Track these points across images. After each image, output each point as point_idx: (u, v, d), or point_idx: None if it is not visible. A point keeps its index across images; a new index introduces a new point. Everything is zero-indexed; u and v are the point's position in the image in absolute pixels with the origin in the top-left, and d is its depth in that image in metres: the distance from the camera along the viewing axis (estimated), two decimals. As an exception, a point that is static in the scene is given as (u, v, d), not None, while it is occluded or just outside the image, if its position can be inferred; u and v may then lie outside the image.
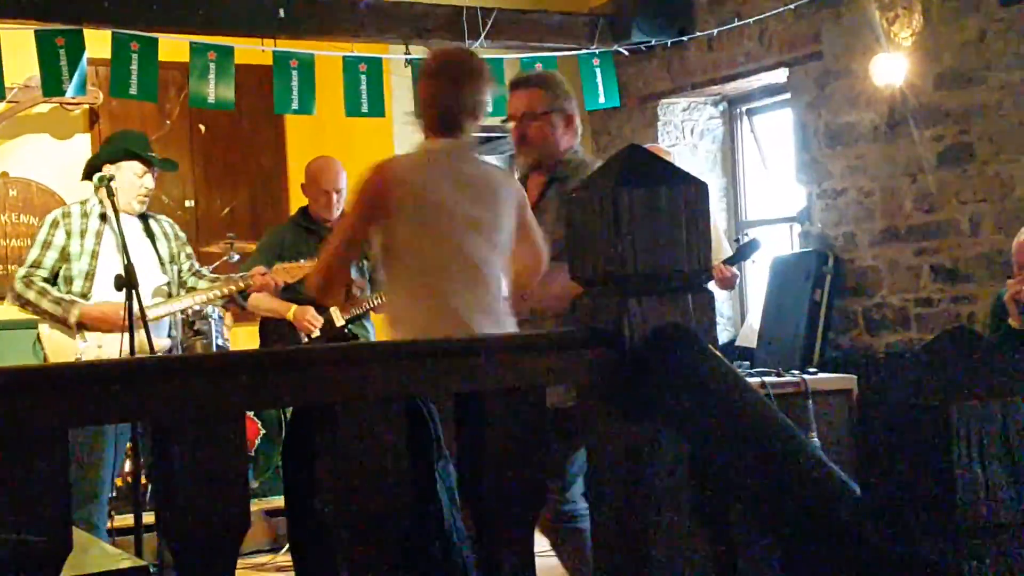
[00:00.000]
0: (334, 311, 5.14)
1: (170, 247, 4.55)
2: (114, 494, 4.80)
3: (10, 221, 6.71)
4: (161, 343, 4.34)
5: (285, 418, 5.66)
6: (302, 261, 4.79)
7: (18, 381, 1.38)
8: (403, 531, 1.56)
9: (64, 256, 4.37)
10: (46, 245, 4.39)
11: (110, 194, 4.24)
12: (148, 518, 4.23)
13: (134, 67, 5.70)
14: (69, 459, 1.39)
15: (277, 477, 5.61)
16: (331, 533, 1.55)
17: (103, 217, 4.41)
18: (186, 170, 7.30)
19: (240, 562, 1.52)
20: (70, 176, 6.78)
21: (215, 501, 1.44)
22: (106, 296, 4.32)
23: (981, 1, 5.47)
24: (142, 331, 4.12)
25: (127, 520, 4.61)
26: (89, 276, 4.36)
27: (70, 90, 5.65)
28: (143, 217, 4.50)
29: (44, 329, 4.45)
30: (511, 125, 3.58)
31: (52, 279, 4.38)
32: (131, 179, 4.41)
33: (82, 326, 4.35)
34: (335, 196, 5.17)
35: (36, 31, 5.55)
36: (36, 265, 4.38)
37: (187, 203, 7.30)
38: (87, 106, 6.79)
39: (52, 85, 5.63)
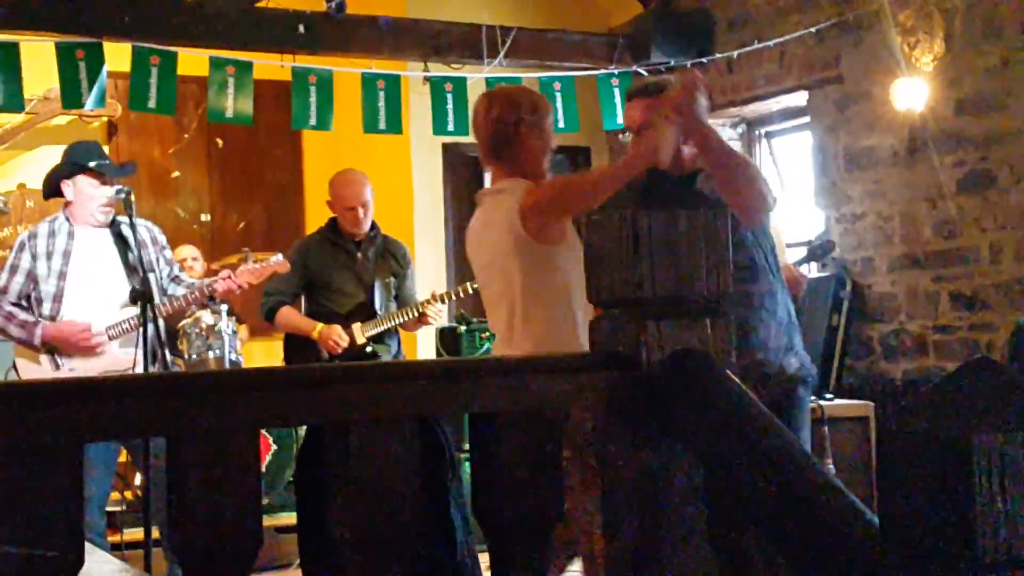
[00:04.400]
0: (356, 328, 5.11)
1: (147, 255, 4.46)
2: (122, 508, 4.78)
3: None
4: (129, 357, 4.25)
5: (297, 434, 5.65)
6: (269, 261, 4.73)
7: (33, 395, 1.38)
8: (415, 551, 1.55)
9: (32, 278, 4.33)
10: (12, 270, 4.36)
11: (127, 208, 4.24)
12: (157, 533, 4.23)
13: (153, 80, 5.72)
14: (83, 472, 1.38)
15: (288, 494, 5.60)
16: (343, 553, 1.54)
17: (71, 235, 4.37)
18: (203, 184, 7.33)
19: (251, 578, 1.51)
20: (88, 188, 6.82)
21: (228, 519, 1.43)
22: (76, 318, 4.29)
23: (1003, 27, 5.46)
24: (115, 347, 4.10)
25: (136, 534, 4.60)
26: (57, 298, 4.32)
27: (89, 103, 5.68)
28: (113, 225, 4.43)
29: (19, 361, 4.41)
30: (629, 138, 3.30)
31: (23, 303, 4.34)
32: (88, 192, 4.36)
33: (49, 348, 4.31)
34: (361, 211, 5.11)
35: (57, 44, 5.58)
36: (3, 291, 4.34)
37: (203, 217, 7.32)
38: (106, 119, 6.83)
39: (72, 97, 5.66)
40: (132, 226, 4.25)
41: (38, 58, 5.72)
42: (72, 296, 4.30)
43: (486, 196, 3.43)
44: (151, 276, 4.41)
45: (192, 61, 5.98)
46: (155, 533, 4.13)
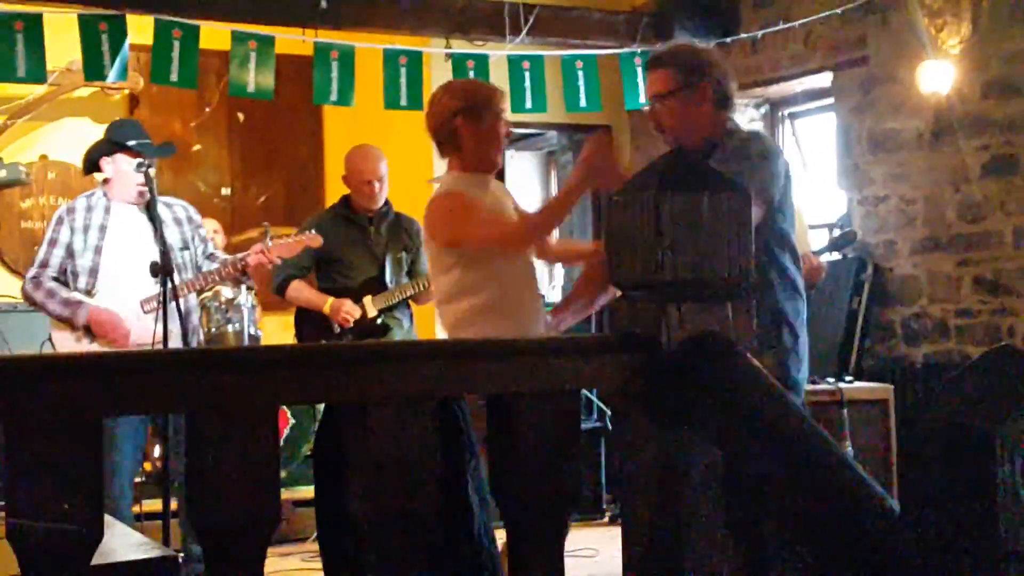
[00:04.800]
0: (367, 302, 5.12)
1: (182, 232, 4.51)
2: (141, 479, 4.81)
3: (48, 203, 6.77)
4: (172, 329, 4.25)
5: (315, 408, 5.67)
6: (299, 235, 4.74)
7: (54, 368, 1.38)
8: (432, 530, 1.55)
9: (70, 252, 4.37)
10: (52, 243, 4.40)
11: (148, 182, 4.25)
12: (176, 504, 4.26)
13: (175, 54, 5.71)
14: (102, 447, 1.38)
15: (306, 467, 5.62)
16: (360, 530, 1.54)
17: (108, 210, 4.41)
18: (223, 158, 7.34)
19: (267, 551, 1.52)
20: (110, 160, 6.84)
21: (247, 494, 1.44)
22: (111, 292, 4.31)
23: (1031, 10, 5.40)
24: (149, 321, 4.15)
25: (155, 505, 4.63)
26: (92, 272, 4.35)
27: (111, 75, 5.68)
28: (150, 205, 4.43)
29: (55, 334, 4.44)
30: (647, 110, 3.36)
31: (61, 277, 4.39)
32: (126, 170, 4.39)
33: (88, 329, 4.34)
34: (377, 185, 5.11)
35: (79, 16, 5.58)
36: (44, 265, 4.39)
37: (224, 191, 7.33)
38: (127, 91, 6.83)
39: (94, 70, 5.66)
40: (152, 199, 4.26)
41: (61, 30, 5.72)
42: (107, 270, 4.34)
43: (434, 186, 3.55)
44: (186, 253, 4.46)
45: (214, 35, 5.97)
46: (173, 504, 4.16)
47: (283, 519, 5.16)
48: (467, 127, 3.23)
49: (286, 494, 5.44)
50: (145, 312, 4.33)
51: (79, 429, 1.35)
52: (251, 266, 4.44)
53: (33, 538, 1.31)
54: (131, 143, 4.39)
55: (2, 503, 1.37)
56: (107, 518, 1.56)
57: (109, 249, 4.36)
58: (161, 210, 4.46)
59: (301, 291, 5.17)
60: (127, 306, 4.33)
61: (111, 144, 4.44)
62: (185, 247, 4.50)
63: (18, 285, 6.56)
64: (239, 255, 4.57)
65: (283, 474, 5.65)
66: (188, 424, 1.50)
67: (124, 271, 4.36)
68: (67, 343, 4.37)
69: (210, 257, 4.58)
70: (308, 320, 5.24)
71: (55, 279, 4.38)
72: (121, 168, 4.40)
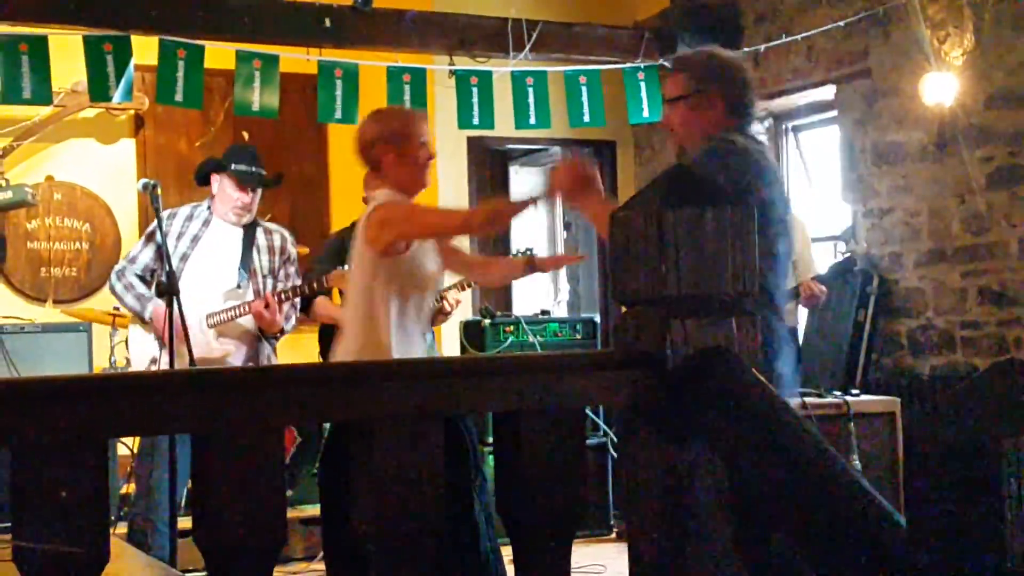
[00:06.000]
0: None
1: (272, 261, 4.61)
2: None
3: (54, 224, 6.78)
4: (224, 347, 4.40)
5: (322, 427, 5.66)
6: (341, 270, 4.78)
7: (58, 391, 1.38)
8: (439, 549, 1.55)
9: (159, 255, 4.47)
10: (146, 241, 4.57)
11: (154, 202, 4.29)
12: (184, 523, 4.25)
13: (180, 74, 5.74)
14: (108, 469, 1.38)
15: (313, 486, 5.62)
16: (366, 549, 1.54)
17: (207, 223, 4.52)
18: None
19: (274, 570, 1.51)
20: (115, 180, 6.86)
21: (252, 514, 1.44)
22: (188, 299, 4.37)
23: (1034, 21, 5.40)
24: (211, 337, 4.21)
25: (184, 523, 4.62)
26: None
27: (116, 96, 5.70)
28: (252, 227, 4.57)
29: (132, 331, 4.60)
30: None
31: (147, 276, 4.52)
32: (228, 192, 4.52)
33: (150, 324, 4.47)
34: None
35: (84, 37, 5.61)
36: (132, 260, 4.56)
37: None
38: (133, 112, 6.85)
39: (99, 90, 5.68)
40: (159, 220, 4.29)
41: (66, 51, 5.75)
42: (187, 279, 4.40)
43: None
44: (269, 281, 4.53)
45: (219, 54, 5.99)
46: (183, 524, 4.15)
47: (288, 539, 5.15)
48: (387, 154, 3.33)
49: (292, 513, 5.43)
50: (208, 326, 4.40)
51: (84, 451, 1.35)
52: (254, 313, 4.49)
53: (39, 560, 1.31)
54: (234, 167, 4.51)
55: (8, 525, 1.37)
56: (115, 540, 1.56)
57: (195, 260, 4.46)
58: (259, 235, 4.59)
59: (326, 307, 5.23)
60: (193, 316, 4.39)
61: (220, 163, 4.57)
62: (271, 276, 4.59)
63: (25, 306, 6.59)
64: (311, 276, 4.67)
65: (289, 493, 5.64)
66: (193, 445, 1.50)
67: (202, 283, 4.46)
68: (140, 341, 4.53)
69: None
70: (332, 336, 5.27)
71: (139, 276, 4.51)
72: (224, 188, 4.53)
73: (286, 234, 4.74)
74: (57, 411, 1.34)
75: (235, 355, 4.46)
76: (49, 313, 6.61)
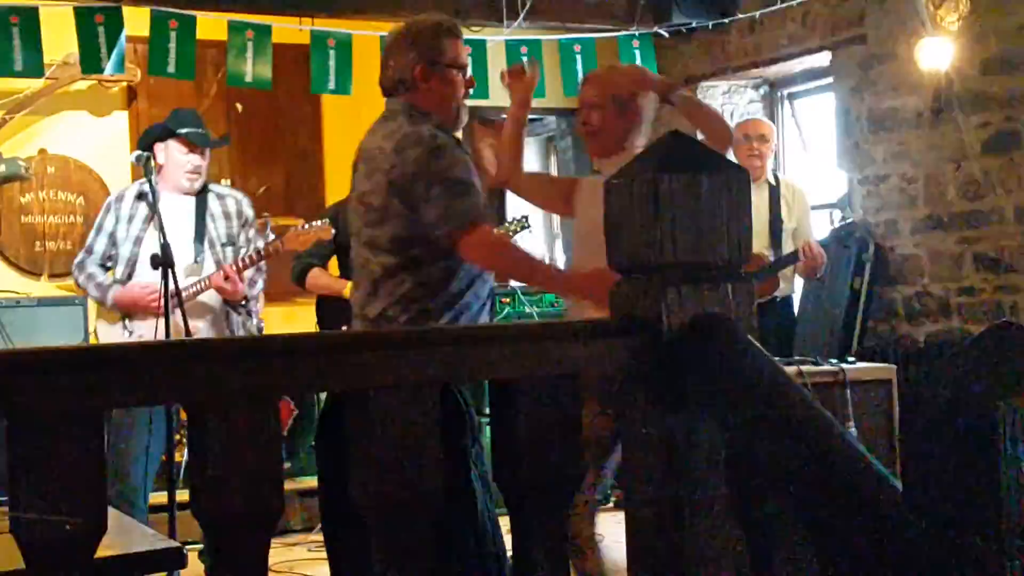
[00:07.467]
0: None
1: (229, 227, 4.49)
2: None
3: (48, 198, 6.75)
4: (193, 324, 4.27)
5: (319, 399, 5.67)
6: (309, 227, 4.72)
7: (54, 362, 1.38)
8: (436, 517, 1.55)
9: (113, 240, 4.43)
10: (98, 230, 4.48)
11: (147, 173, 4.25)
12: (182, 496, 4.26)
13: (172, 45, 5.71)
14: (105, 440, 1.38)
15: (310, 458, 5.63)
16: (364, 518, 1.54)
17: (154, 200, 4.43)
18: (222, 149, 7.30)
19: (273, 541, 1.52)
20: (108, 153, 6.82)
21: (249, 484, 1.44)
22: (145, 281, 4.33)
23: (1030, -15, 5.38)
24: (178, 314, 4.13)
25: (160, 498, 4.63)
26: (130, 262, 4.39)
27: (108, 67, 5.67)
28: (202, 194, 4.47)
29: (99, 324, 4.54)
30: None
31: (107, 263, 4.46)
32: (177, 158, 4.42)
33: (121, 311, 4.40)
34: None
35: (75, 8, 5.57)
36: (89, 251, 4.48)
37: (223, 181, 7.31)
38: (125, 84, 6.81)
39: (91, 62, 5.65)
40: (152, 191, 4.24)
41: (57, 23, 5.70)
42: (144, 261, 4.34)
43: None
44: (229, 250, 4.44)
45: (211, 25, 5.95)
46: (180, 496, 4.16)
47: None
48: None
49: (291, 485, 5.44)
50: (173, 307, 4.35)
51: (82, 421, 1.35)
52: (269, 257, 4.43)
53: (37, 531, 1.31)
54: (183, 131, 4.41)
55: (5, 497, 1.37)
56: (112, 511, 1.56)
57: (149, 240, 4.37)
58: (212, 201, 4.48)
59: (320, 278, 5.24)
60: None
61: (164, 130, 4.46)
62: (230, 243, 4.48)
63: (20, 280, 6.58)
64: (253, 247, 4.54)
65: (287, 465, 5.66)
66: (189, 416, 1.50)
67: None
68: (107, 336, 4.44)
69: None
70: (328, 307, 5.28)
71: (100, 265, 4.45)
72: (172, 155, 4.42)
73: (240, 196, 4.62)
74: (55, 382, 1.34)
75: (203, 331, 4.35)
76: (44, 287, 6.60)
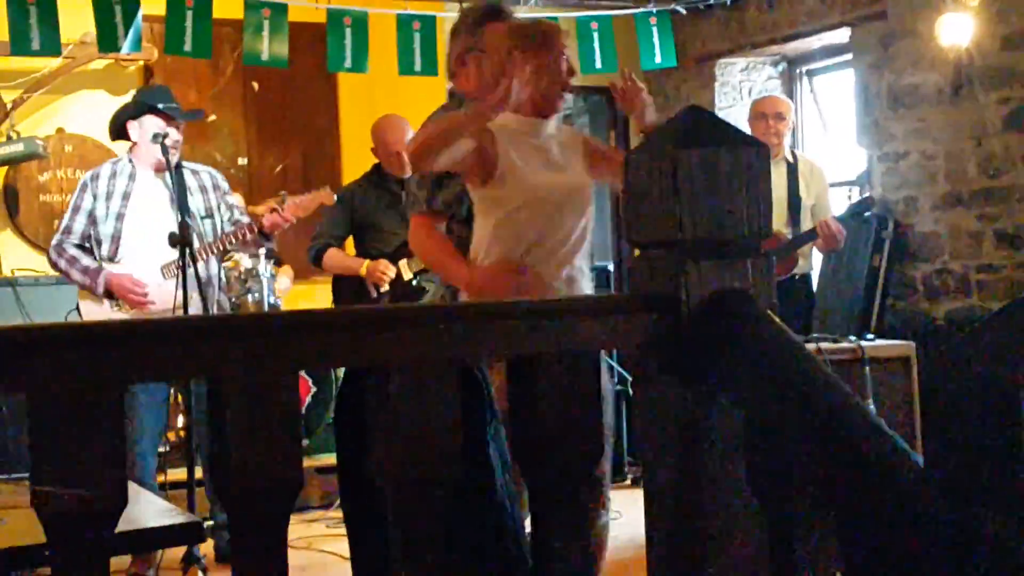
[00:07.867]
0: (403, 265, 5.18)
1: (206, 200, 4.51)
2: (165, 449, 4.85)
3: (66, 176, 6.77)
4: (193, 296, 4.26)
5: (336, 376, 5.69)
6: (312, 192, 4.74)
7: (76, 337, 1.38)
8: (455, 493, 1.55)
9: (92, 219, 4.40)
10: (75, 210, 4.43)
11: (164, 151, 4.26)
12: (200, 472, 4.29)
13: (188, 24, 5.71)
14: (124, 414, 1.39)
15: (329, 435, 5.65)
16: (382, 494, 1.54)
17: (132, 177, 4.42)
18: (239, 128, 7.32)
19: (291, 518, 1.52)
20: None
21: (268, 460, 1.44)
22: (133, 259, 4.33)
23: (1052, -40, 5.32)
24: (172, 286, 4.14)
25: (180, 474, 4.66)
26: (114, 239, 4.38)
27: (125, 47, 5.67)
28: (177, 170, 4.46)
29: (83, 304, 4.49)
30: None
31: (86, 244, 4.42)
32: (153, 132, 4.40)
33: (110, 295, 4.38)
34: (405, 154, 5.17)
35: (93, -13, 5.57)
36: (67, 232, 4.43)
37: (240, 160, 7.32)
38: (142, 63, 6.82)
39: (107, 41, 5.65)
40: (169, 166, 4.25)
41: (74, 2, 5.71)
42: (129, 237, 4.36)
43: None
44: (208, 222, 4.46)
45: (227, 4, 5.95)
46: (199, 473, 4.18)
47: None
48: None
49: (309, 462, 5.46)
50: (166, 278, 4.35)
51: (102, 396, 1.36)
52: (267, 227, 4.44)
53: (58, 506, 1.32)
54: (159, 105, 4.40)
55: (27, 473, 1.37)
56: (132, 486, 1.57)
57: (131, 216, 4.37)
58: (187, 177, 4.48)
59: (337, 258, 5.27)
60: (148, 272, 4.35)
61: (139, 106, 4.45)
62: (208, 215, 4.50)
63: (39, 259, 6.60)
64: (250, 219, 4.58)
65: (305, 442, 5.68)
66: (209, 391, 1.51)
67: (145, 238, 4.38)
68: (94, 312, 4.40)
69: (235, 224, 4.57)
70: (345, 287, 5.31)
71: (79, 246, 4.41)
72: (148, 131, 4.40)
73: (212, 171, 4.66)
74: (75, 357, 1.34)
75: (196, 302, 4.28)
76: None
